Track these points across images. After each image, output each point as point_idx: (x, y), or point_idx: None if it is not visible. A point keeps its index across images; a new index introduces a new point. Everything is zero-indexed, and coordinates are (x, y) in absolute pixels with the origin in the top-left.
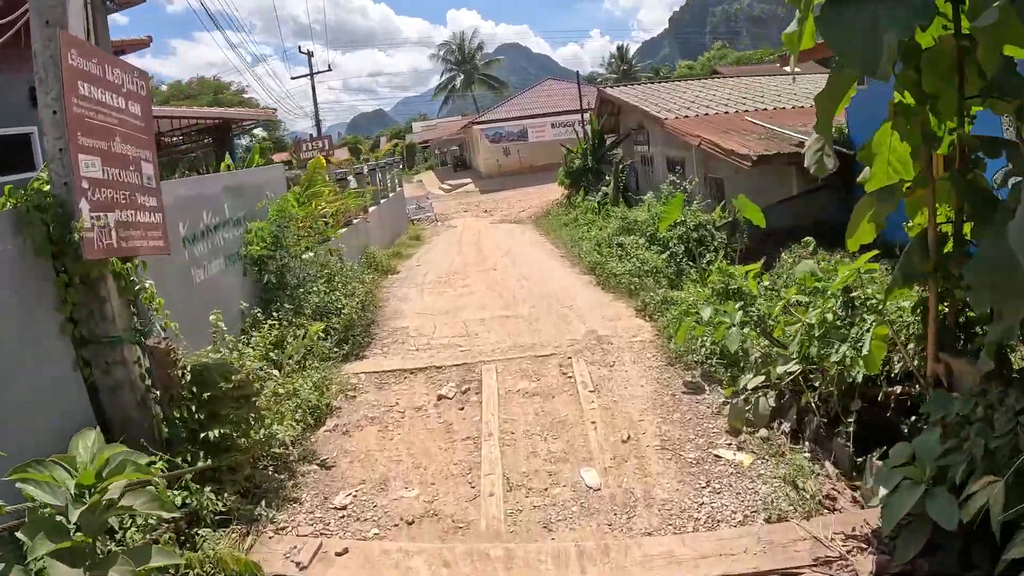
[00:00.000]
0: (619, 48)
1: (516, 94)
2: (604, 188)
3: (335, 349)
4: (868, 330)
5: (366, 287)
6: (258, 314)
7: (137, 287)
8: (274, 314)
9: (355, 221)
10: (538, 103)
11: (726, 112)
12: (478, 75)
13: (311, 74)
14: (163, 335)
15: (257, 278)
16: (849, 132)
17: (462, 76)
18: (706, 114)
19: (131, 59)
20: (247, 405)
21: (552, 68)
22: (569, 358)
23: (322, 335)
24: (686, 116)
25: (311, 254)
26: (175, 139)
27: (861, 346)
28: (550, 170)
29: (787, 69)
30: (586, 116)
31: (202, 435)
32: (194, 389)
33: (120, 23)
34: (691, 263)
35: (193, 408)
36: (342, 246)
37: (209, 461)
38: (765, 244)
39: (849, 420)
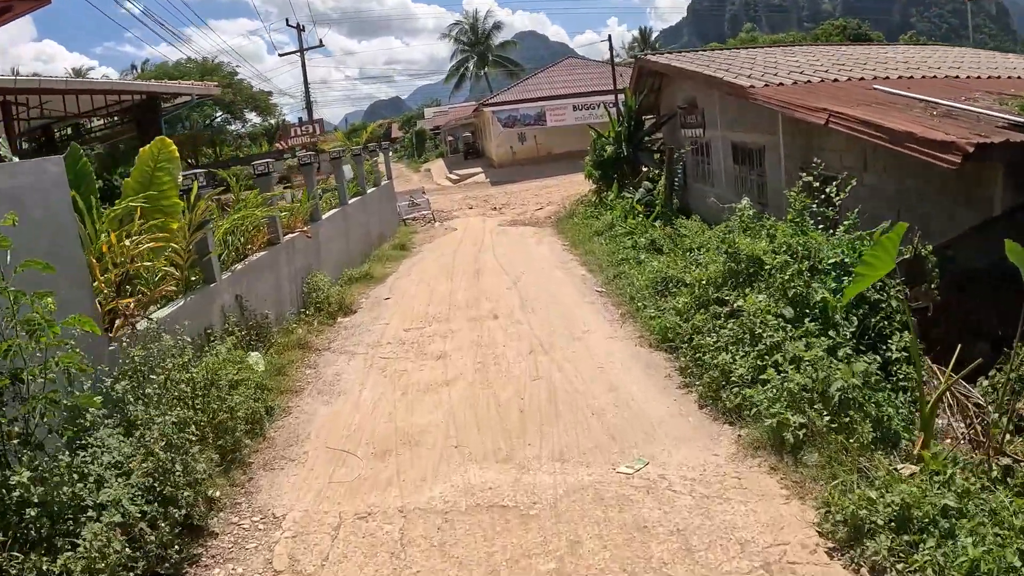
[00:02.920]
0: (641, 31)
1: (533, 73)
2: (647, 183)
3: None
4: None
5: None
6: None
7: None
8: None
9: (288, 237)
10: (557, 83)
11: (835, 80)
12: (492, 56)
13: (300, 50)
14: None
15: None
16: None
17: (475, 58)
18: (807, 81)
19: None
20: None
21: (570, 55)
22: None
23: None
24: (779, 84)
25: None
26: (94, 124)
27: None
28: (571, 159)
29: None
30: (619, 96)
31: None
32: None
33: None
34: (878, 353)
35: None
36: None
37: None
38: (946, 297)
39: None
